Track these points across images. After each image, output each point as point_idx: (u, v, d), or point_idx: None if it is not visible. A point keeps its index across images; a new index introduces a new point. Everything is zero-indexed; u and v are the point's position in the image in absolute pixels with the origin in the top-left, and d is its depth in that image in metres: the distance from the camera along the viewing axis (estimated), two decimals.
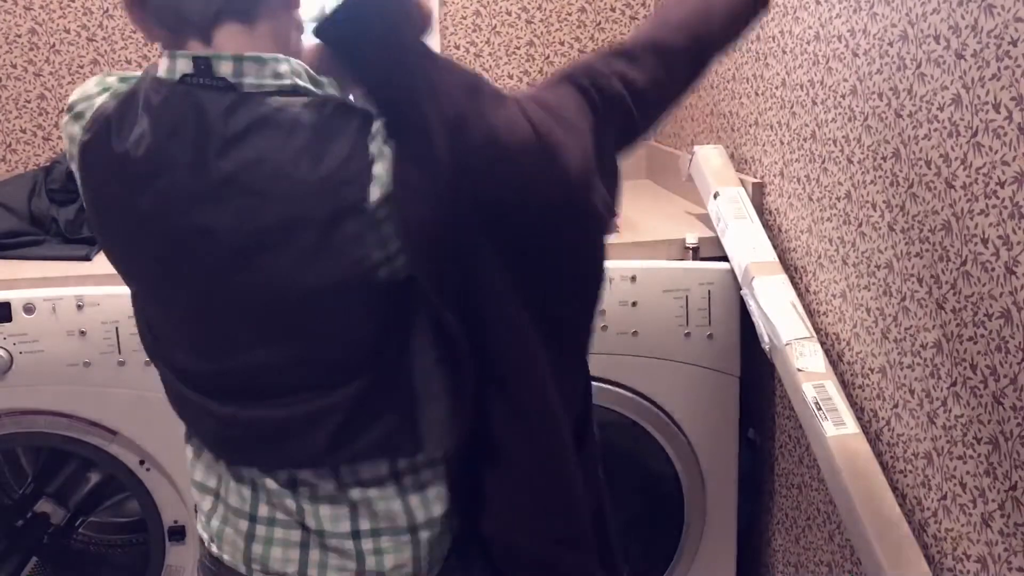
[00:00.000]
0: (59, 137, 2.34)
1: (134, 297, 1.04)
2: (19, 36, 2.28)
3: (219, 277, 0.89)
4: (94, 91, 0.97)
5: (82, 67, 2.32)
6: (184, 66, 0.88)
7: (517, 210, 0.89)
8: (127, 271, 0.99)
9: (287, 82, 0.87)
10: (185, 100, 0.87)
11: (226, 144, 0.86)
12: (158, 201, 0.89)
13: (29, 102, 2.32)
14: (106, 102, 0.95)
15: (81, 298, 1.62)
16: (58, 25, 2.29)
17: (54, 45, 2.30)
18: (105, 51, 2.32)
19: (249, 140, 0.85)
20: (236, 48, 0.87)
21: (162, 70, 0.90)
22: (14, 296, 1.62)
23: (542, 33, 2.46)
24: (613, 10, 2.47)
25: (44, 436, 1.70)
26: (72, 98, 0.98)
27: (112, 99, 0.95)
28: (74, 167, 0.97)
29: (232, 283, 0.89)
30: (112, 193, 0.93)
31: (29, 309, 1.62)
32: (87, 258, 1.81)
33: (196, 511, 1.10)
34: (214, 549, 1.04)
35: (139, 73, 0.96)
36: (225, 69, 0.86)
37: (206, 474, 1.06)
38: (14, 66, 2.30)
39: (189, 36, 0.88)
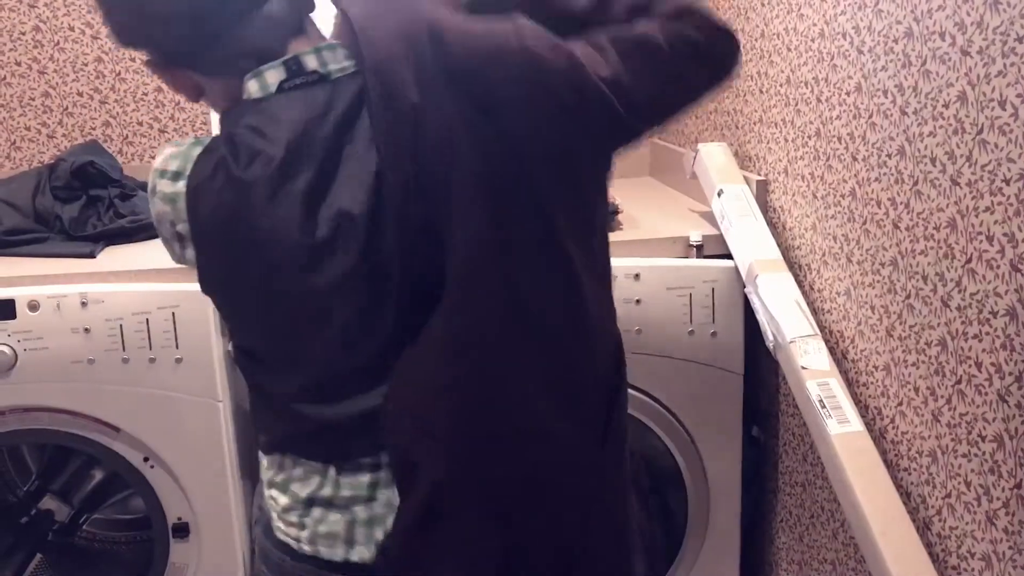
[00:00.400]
0: (63, 135, 2.35)
1: (238, 324, 1.07)
2: (23, 34, 2.29)
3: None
4: (183, 148, 0.99)
5: (86, 64, 2.32)
6: (275, 76, 0.94)
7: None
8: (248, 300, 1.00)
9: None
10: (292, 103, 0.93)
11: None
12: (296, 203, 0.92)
13: (33, 99, 2.32)
14: (203, 149, 0.96)
15: (85, 295, 1.63)
16: (62, 23, 2.29)
17: (58, 42, 2.30)
18: (109, 48, 2.32)
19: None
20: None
21: (255, 91, 0.94)
22: (18, 293, 1.63)
23: None
24: None
25: (48, 433, 1.70)
26: (159, 166, 0.98)
27: (205, 146, 0.97)
28: (178, 224, 0.98)
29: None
30: (237, 223, 0.94)
31: (33, 306, 1.62)
32: (91, 255, 1.81)
33: (263, 521, 1.12)
34: (306, 549, 1.05)
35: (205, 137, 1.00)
36: (311, 62, 0.94)
37: (304, 483, 1.05)
38: (18, 63, 2.30)
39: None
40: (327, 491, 1.03)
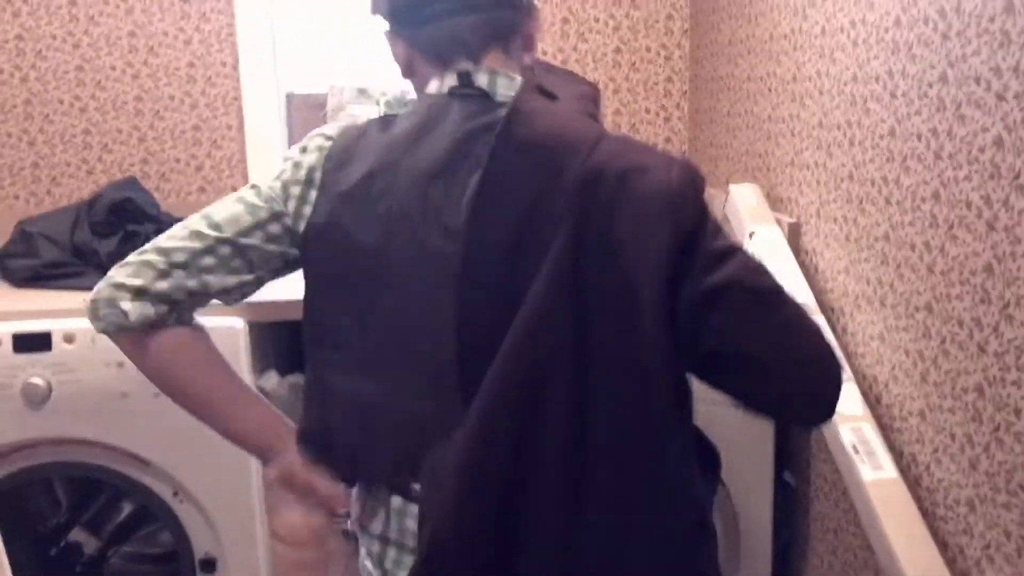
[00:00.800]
0: (102, 171, 2.39)
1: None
2: (67, 72, 2.34)
3: None
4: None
5: (126, 103, 2.37)
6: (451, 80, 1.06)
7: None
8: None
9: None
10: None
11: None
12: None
13: (74, 136, 2.37)
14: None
15: None
16: (104, 62, 2.35)
17: (99, 81, 2.35)
18: (148, 88, 2.37)
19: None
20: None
21: (432, 88, 1.08)
22: (54, 326, 1.65)
23: (577, 10, 2.48)
24: (648, 50, 2.48)
25: (79, 466, 1.72)
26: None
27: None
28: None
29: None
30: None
31: (69, 339, 1.64)
32: None
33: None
34: None
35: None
36: (482, 80, 1.05)
37: (386, 524, 1.09)
38: (61, 101, 2.35)
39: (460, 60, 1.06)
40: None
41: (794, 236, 1.74)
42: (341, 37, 2.58)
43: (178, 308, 1.06)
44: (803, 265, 1.70)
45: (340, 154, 1.07)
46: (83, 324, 1.64)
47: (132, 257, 1.06)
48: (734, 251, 0.96)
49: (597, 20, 2.46)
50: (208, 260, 1.05)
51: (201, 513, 1.72)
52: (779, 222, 1.76)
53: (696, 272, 0.92)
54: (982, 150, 1.16)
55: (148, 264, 1.04)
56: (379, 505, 1.09)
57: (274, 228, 1.07)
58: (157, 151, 2.40)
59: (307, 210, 1.06)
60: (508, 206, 0.96)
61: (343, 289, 1.05)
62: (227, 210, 1.07)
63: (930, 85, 1.27)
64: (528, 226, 0.95)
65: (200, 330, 1.11)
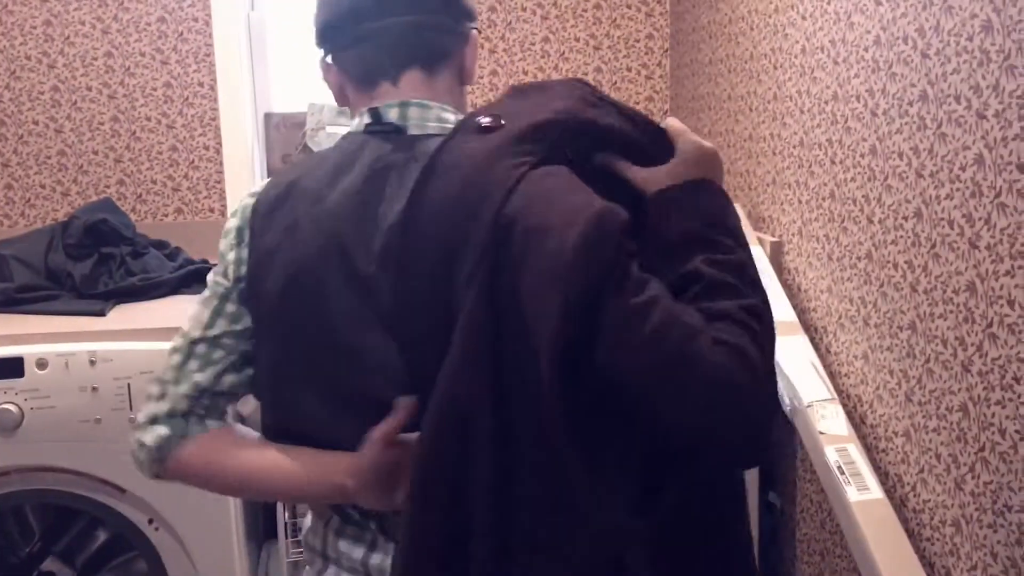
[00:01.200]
0: (77, 192, 2.36)
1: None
2: (42, 93, 2.32)
3: None
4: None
5: (102, 124, 2.34)
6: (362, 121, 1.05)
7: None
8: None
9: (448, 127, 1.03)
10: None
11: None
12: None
13: (49, 158, 2.34)
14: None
15: (94, 353, 1.62)
16: (80, 82, 2.32)
17: (75, 102, 2.33)
18: (125, 108, 2.35)
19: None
20: (417, 95, 1.05)
21: (353, 125, 1.07)
22: (27, 351, 1.62)
23: (557, 29, 2.48)
24: (629, 70, 2.49)
25: (53, 493, 1.68)
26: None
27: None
28: None
29: None
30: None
31: (42, 364, 1.61)
32: (101, 313, 1.80)
33: None
34: None
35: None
36: (391, 115, 1.04)
37: (324, 542, 1.10)
38: (35, 123, 2.32)
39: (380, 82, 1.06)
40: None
41: (776, 255, 1.73)
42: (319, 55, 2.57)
43: (192, 417, 1.04)
44: (786, 284, 1.69)
45: (264, 206, 1.05)
46: (56, 348, 1.62)
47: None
48: (655, 302, 0.82)
49: (578, 40, 2.46)
50: (192, 365, 1.04)
51: (177, 541, 1.69)
52: (761, 241, 1.76)
53: (606, 335, 0.82)
54: (963, 168, 1.15)
55: (149, 398, 1.05)
56: (320, 523, 1.09)
57: (231, 307, 1.05)
58: (133, 172, 2.38)
59: (243, 270, 1.05)
60: (422, 259, 0.94)
61: (280, 338, 1.04)
62: (191, 316, 1.07)
63: (911, 104, 1.27)
64: (444, 276, 0.92)
65: (225, 427, 1.08)
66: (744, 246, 0.95)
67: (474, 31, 1.12)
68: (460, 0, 1.09)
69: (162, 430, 1.03)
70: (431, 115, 1.04)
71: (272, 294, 1.01)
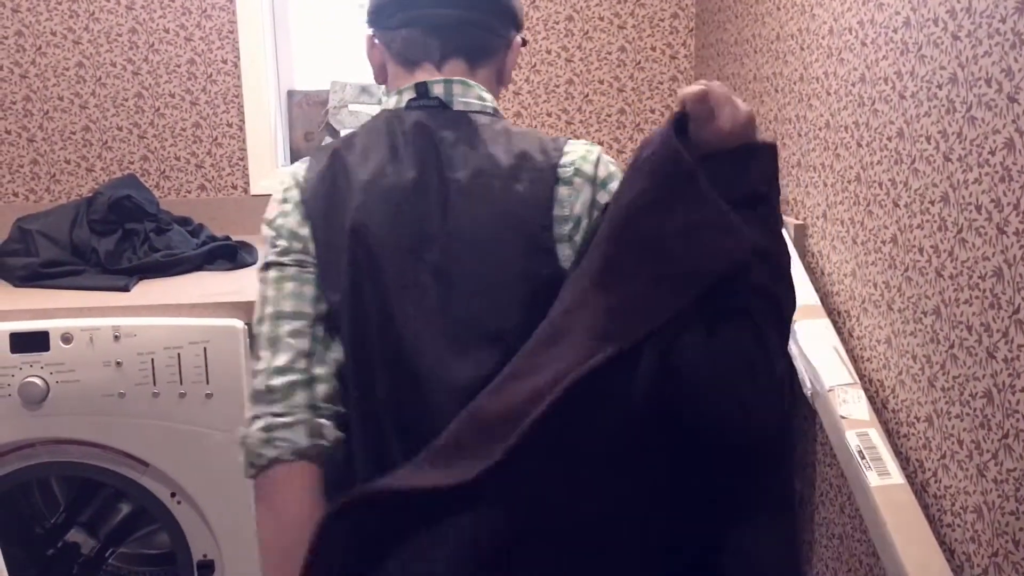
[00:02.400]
0: (102, 168, 2.38)
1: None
2: (67, 69, 2.33)
3: None
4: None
5: (126, 100, 2.35)
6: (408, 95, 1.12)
7: None
8: None
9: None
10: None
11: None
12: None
13: (74, 133, 2.36)
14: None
15: (118, 329, 1.63)
16: (104, 58, 2.33)
17: (100, 78, 2.34)
18: (149, 84, 2.36)
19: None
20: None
21: (391, 103, 1.13)
22: (52, 325, 1.64)
23: (582, 72, 2.47)
24: (653, 49, 2.47)
25: (77, 466, 1.70)
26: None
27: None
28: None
29: None
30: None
31: (67, 339, 1.63)
32: (126, 289, 1.82)
33: None
34: None
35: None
36: (437, 90, 1.11)
37: None
38: (60, 98, 2.34)
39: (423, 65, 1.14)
40: None
41: (800, 238, 1.72)
42: (343, 34, 2.56)
43: (314, 425, 1.04)
44: (809, 268, 1.68)
45: (318, 183, 1.09)
46: (81, 323, 1.63)
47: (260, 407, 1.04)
48: None
49: (602, 18, 2.44)
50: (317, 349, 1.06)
51: (199, 515, 1.71)
52: (785, 224, 1.74)
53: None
54: (992, 152, 1.14)
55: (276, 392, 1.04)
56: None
57: (311, 290, 1.08)
58: (157, 148, 2.39)
59: (311, 246, 1.08)
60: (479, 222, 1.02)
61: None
62: (281, 296, 1.06)
63: (939, 86, 1.25)
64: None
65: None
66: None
67: (519, 39, 1.20)
68: (510, 7, 1.16)
69: (283, 443, 1.01)
70: (472, 93, 1.11)
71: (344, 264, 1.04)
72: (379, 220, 1.04)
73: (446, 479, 0.85)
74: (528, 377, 0.88)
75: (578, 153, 1.08)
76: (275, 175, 1.24)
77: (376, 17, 1.16)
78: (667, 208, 0.88)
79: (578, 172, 1.08)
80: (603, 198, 1.07)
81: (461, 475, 0.85)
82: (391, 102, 1.13)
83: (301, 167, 1.12)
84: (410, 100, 1.11)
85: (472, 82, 1.13)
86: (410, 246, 1.03)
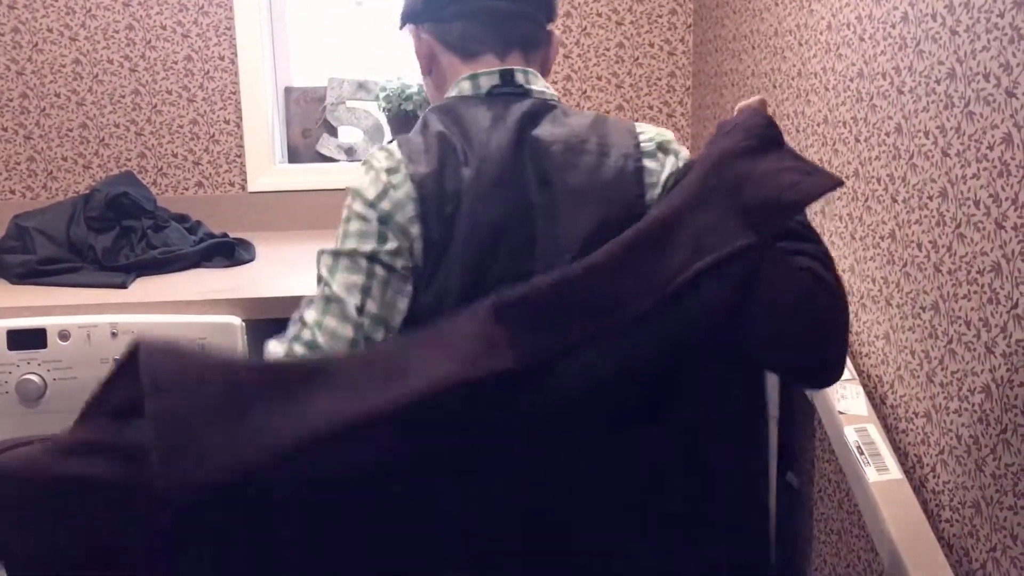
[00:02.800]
0: (99, 166, 2.37)
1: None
2: (63, 66, 2.32)
3: None
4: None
5: (123, 97, 2.35)
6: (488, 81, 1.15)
7: None
8: None
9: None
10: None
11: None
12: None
13: (71, 130, 2.35)
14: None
15: (116, 325, 1.63)
16: (101, 55, 2.33)
17: (97, 75, 2.33)
18: (146, 81, 2.35)
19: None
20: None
21: (465, 90, 1.15)
22: (49, 323, 1.63)
23: (580, 68, 2.46)
24: (651, 45, 2.47)
25: None
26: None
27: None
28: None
29: None
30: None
31: (64, 336, 1.62)
32: (123, 286, 1.81)
33: None
34: None
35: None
36: (520, 78, 1.16)
37: None
38: (57, 95, 2.33)
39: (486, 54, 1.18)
40: None
41: None
42: (340, 30, 2.56)
43: None
44: None
45: (430, 182, 1.06)
46: (78, 320, 1.63)
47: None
48: None
49: (600, 14, 2.44)
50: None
51: None
52: None
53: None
54: (991, 147, 1.14)
55: None
56: None
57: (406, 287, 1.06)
58: (154, 145, 2.38)
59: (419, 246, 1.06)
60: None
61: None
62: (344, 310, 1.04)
63: (938, 81, 1.25)
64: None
65: None
66: None
67: (557, 32, 1.28)
68: (553, 1, 1.23)
69: None
70: (540, 83, 1.18)
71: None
72: (493, 213, 1.04)
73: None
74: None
75: (653, 131, 1.17)
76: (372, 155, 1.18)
77: (426, 9, 1.19)
78: (760, 154, 0.99)
79: (660, 146, 1.15)
80: (679, 166, 1.15)
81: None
82: (460, 89, 1.16)
83: (404, 152, 1.09)
84: (493, 87, 1.15)
85: (536, 72, 1.19)
86: (520, 239, 1.05)
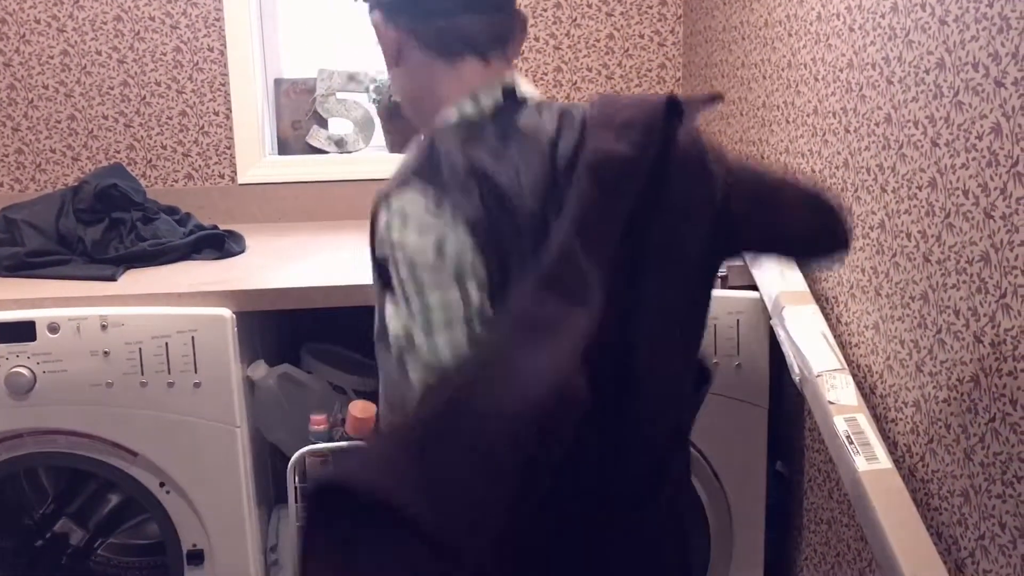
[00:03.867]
0: (88, 158, 2.36)
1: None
2: (51, 58, 2.31)
3: None
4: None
5: (112, 88, 2.34)
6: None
7: None
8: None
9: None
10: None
11: None
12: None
13: (60, 122, 2.34)
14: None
15: (105, 318, 1.62)
16: (89, 47, 2.31)
17: (85, 66, 2.32)
18: (135, 73, 2.34)
19: None
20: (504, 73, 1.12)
21: (467, 110, 1.07)
22: (38, 315, 1.62)
23: (570, 59, 2.46)
24: (641, 36, 2.46)
25: (65, 456, 1.69)
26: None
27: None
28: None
29: None
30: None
31: (53, 328, 1.62)
32: (112, 278, 1.81)
33: None
34: None
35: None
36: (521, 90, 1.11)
37: None
38: (45, 87, 2.32)
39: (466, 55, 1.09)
40: None
41: None
42: (330, 21, 2.55)
43: None
44: None
45: (479, 211, 0.98)
46: (67, 312, 1.62)
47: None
48: None
49: (590, 5, 2.43)
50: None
51: (188, 504, 1.70)
52: None
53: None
54: (980, 137, 1.14)
55: None
56: None
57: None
58: (143, 137, 2.37)
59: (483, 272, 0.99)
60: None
61: None
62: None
63: (927, 71, 1.26)
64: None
65: None
66: None
67: (522, 11, 1.19)
68: None
69: None
70: (529, 88, 1.12)
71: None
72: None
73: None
74: None
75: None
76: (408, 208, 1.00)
77: (402, 3, 1.09)
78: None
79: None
80: None
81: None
82: (465, 109, 1.07)
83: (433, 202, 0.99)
84: (498, 104, 1.07)
85: (518, 71, 1.14)
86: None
